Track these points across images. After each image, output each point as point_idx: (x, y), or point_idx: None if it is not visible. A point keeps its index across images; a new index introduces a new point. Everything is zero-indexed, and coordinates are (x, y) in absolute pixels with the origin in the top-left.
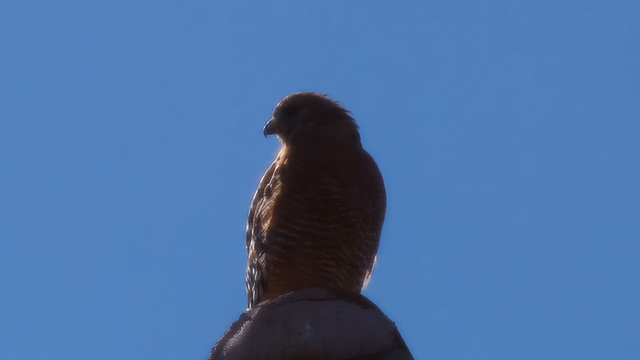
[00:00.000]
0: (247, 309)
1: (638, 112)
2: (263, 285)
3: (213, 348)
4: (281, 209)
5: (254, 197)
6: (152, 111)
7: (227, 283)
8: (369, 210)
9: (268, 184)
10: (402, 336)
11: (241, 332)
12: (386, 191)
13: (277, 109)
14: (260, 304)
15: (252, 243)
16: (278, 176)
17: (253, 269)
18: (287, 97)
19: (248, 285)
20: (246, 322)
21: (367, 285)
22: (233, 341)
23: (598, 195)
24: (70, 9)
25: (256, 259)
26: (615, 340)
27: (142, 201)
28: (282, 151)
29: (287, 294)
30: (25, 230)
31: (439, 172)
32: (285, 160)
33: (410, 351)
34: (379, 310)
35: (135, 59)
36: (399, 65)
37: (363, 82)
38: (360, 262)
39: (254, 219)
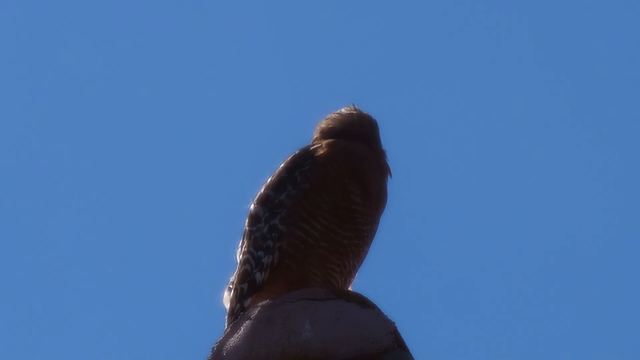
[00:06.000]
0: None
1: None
2: (271, 270)
3: (213, 348)
4: (307, 203)
5: (271, 182)
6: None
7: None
8: (376, 227)
9: (296, 174)
10: (402, 336)
11: (241, 332)
12: (387, 190)
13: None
14: (260, 303)
15: (264, 227)
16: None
17: (260, 252)
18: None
19: (247, 264)
20: (246, 322)
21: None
22: (233, 341)
23: (598, 196)
24: (74, 8)
25: (268, 243)
26: (615, 341)
27: (142, 199)
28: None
29: (287, 293)
30: (22, 230)
31: (439, 172)
32: (327, 150)
33: (410, 351)
34: (379, 310)
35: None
36: (397, 64)
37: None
38: (354, 273)
39: (269, 203)
